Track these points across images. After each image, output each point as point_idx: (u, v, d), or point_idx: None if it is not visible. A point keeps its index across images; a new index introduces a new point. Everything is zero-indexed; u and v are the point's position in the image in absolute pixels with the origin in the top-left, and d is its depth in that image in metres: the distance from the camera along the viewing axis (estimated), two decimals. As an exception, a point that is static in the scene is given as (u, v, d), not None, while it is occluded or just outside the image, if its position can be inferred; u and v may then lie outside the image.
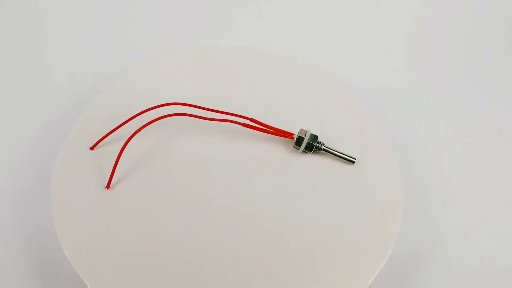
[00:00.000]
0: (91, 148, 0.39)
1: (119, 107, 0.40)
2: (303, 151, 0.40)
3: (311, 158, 0.40)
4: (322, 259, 0.35)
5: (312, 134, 0.40)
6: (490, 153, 0.47)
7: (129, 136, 0.37)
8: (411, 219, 0.40)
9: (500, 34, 0.55)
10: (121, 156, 0.37)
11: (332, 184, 0.38)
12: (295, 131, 0.40)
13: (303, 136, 0.39)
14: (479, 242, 0.41)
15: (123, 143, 0.37)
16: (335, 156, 0.40)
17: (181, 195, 0.37)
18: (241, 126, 0.39)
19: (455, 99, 0.51)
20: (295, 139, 0.40)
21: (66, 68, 0.48)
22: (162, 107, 0.39)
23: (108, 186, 0.37)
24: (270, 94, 0.43)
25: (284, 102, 0.43)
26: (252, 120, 0.40)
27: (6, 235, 0.38)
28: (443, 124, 0.49)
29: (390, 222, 0.36)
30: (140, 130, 0.38)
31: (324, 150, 0.40)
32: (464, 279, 0.39)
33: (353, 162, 0.39)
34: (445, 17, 0.56)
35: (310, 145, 0.39)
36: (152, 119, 0.38)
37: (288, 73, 0.45)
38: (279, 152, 0.40)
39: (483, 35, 0.56)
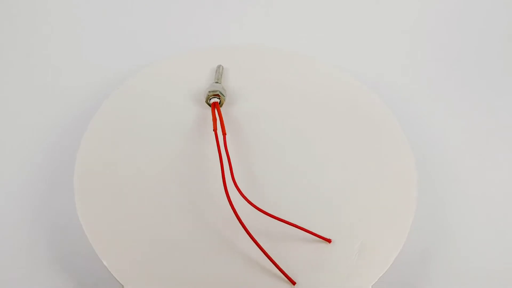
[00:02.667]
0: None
1: (135, 104, 0.41)
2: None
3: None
4: (327, 253, 0.35)
5: (212, 85, 0.41)
6: (504, 150, 0.45)
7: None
8: (422, 216, 0.39)
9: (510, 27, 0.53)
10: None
11: (343, 181, 0.38)
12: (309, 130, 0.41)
13: (217, 89, 0.40)
14: (491, 240, 0.40)
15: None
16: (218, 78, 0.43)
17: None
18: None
19: (465, 94, 0.49)
20: (220, 98, 0.40)
21: (78, 67, 0.48)
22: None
23: None
24: (279, 89, 0.43)
25: (297, 98, 0.43)
26: (215, 131, 0.38)
27: (30, 232, 0.38)
28: (453, 120, 0.47)
29: (401, 219, 0.36)
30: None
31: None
32: (475, 277, 0.38)
33: (220, 66, 0.43)
34: (454, 11, 0.54)
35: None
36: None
37: (301, 70, 0.45)
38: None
39: (493, 28, 0.52)
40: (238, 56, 0.46)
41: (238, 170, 0.36)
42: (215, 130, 0.37)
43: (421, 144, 0.43)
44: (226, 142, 0.36)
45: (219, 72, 0.43)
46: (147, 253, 0.34)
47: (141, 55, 0.49)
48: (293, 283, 0.34)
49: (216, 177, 0.35)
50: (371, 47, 0.52)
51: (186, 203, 0.36)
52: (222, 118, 0.38)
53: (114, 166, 0.37)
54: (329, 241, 0.35)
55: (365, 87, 0.44)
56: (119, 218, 0.35)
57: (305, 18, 0.54)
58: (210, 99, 0.40)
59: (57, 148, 0.42)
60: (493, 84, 0.49)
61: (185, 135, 0.40)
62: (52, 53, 0.50)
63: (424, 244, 0.39)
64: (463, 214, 0.40)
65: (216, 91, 0.40)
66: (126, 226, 0.35)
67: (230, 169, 0.35)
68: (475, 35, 0.52)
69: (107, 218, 0.35)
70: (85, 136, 0.38)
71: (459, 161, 0.43)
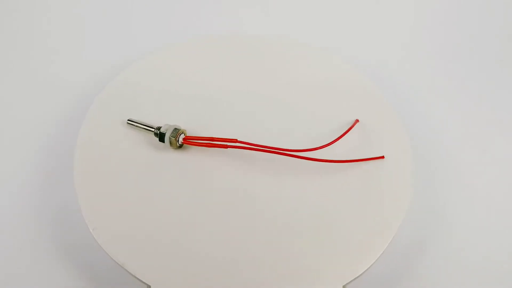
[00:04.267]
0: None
1: (131, 94, 0.41)
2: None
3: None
4: (316, 242, 0.34)
5: (163, 131, 0.37)
6: (500, 142, 0.45)
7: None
8: (417, 206, 0.39)
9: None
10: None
11: (338, 170, 0.37)
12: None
13: (172, 128, 0.37)
14: (486, 231, 0.40)
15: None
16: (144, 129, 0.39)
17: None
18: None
19: (464, 86, 0.49)
20: (184, 132, 0.37)
21: (78, 62, 0.49)
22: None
23: None
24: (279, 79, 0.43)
25: (292, 86, 0.42)
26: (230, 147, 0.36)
27: (33, 229, 0.38)
28: (451, 111, 0.47)
29: (395, 209, 0.35)
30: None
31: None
32: (469, 267, 0.38)
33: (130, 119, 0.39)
34: (455, 7, 0.56)
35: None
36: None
37: (293, 57, 0.45)
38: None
39: (493, 25, 0.54)
40: (237, 45, 0.46)
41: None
42: (227, 147, 0.35)
43: (420, 138, 0.44)
44: (245, 141, 0.35)
45: (140, 123, 0.38)
46: (156, 246, 0.33)
47: (140, 50, 0.48)
48: (382, 157, 0.37)
49: (223, 172, 0.36)
50: (370, 45, 0.53)
51: (184, 192, 0.35)
52: (214, 138, 0.36)
53: (114, 159, 0.36)
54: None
55: (368, 81, 0.43)
56: (122, 213, 0.34)
57: (304, 14, 0.55)
58: (178, 140, 0.36)
59: (57, 143, 0.42)
60: (493, 78, 0.50)
61: (185, 124, 0.38)
62: (51, 49, 0.50)
63: (420, 235, 0.39)
64: (459, 207, 0.41)
65: (175, 130, 0.37)
66: (130, 221, 0.34)
67: (279, 149, 0.35)
68: (475, 31, 0.54)
69: (110, 214, 0.34)
70: (83, 129, 0.38)
71: (457, 154, 0.44)
